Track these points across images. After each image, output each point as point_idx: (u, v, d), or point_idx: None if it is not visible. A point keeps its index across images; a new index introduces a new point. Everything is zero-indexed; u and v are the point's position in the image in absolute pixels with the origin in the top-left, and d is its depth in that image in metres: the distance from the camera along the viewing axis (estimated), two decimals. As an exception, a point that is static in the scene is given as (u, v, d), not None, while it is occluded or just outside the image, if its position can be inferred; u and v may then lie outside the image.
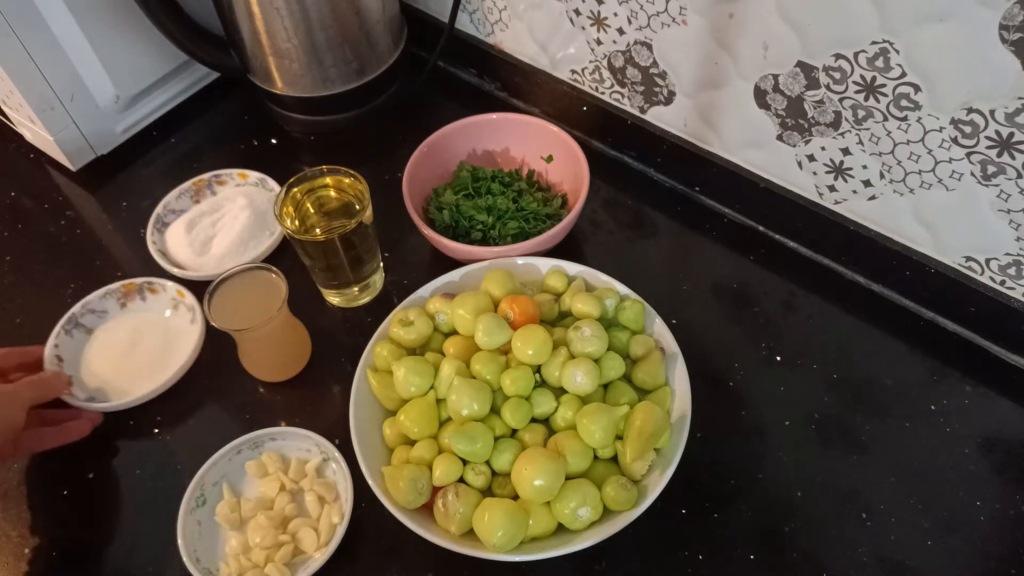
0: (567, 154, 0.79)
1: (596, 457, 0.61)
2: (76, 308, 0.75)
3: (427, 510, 0.60)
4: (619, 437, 0.61)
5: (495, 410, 0.63)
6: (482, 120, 0.82)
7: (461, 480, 0.60)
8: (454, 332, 0.68)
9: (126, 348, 0.74)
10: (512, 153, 0.85)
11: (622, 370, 0.64)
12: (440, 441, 0.62)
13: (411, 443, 0.63)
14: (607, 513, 0.59)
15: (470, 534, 0.58)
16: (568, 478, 0.59)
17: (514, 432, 0.63)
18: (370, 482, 0.59)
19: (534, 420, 0.63)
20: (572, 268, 0.71)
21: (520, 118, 0.82)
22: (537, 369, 0.65)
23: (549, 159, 0.82)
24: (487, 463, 0.61)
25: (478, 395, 0.62)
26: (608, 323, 0.67)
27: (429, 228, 0.74)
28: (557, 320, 0.69)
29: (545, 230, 0.75)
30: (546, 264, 0.71)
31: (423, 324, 0.68)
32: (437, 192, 0.81)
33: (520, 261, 0.72)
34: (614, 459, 0.61)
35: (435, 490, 0.60)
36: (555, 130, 0.80)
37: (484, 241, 0.76)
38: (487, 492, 0.60)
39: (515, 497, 0.59)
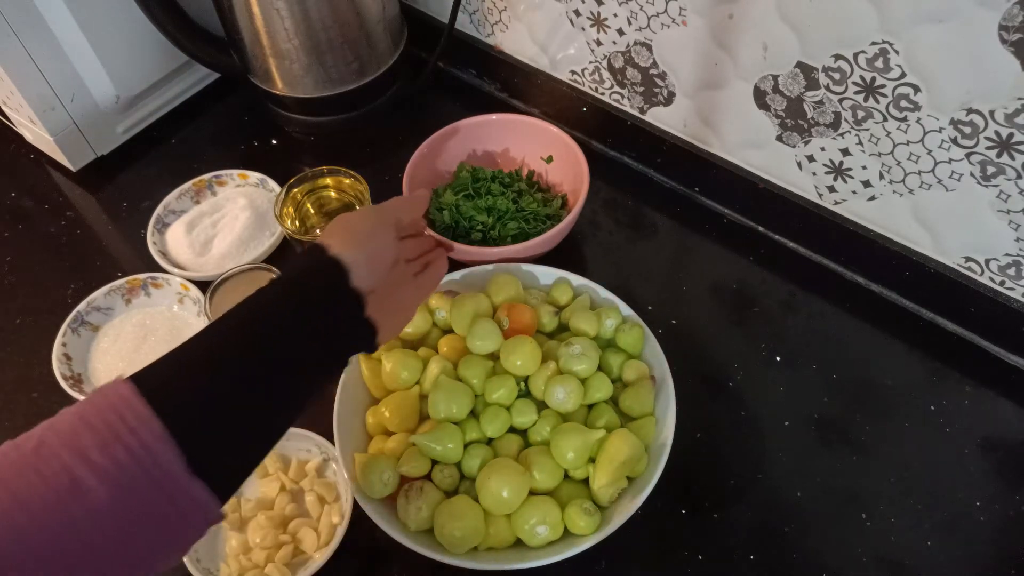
0: (567, 155, 0.79)
1: (568, 476, 0.61)
2: (81, 306, 0.75)
3: (393, 503, 0.61)
4: (593, 460, 0.61)
5: (475, 414, 0.63)
6: (482, 121, 0.82)
7: (429, 479, 0.61)
8: (451, 330, 0.69)
9: (134, 344, 0.74)
10: (512, 153, 0.85)
11: (609, 392, 0.64)
12: (412, 437, 0.62)
13: (390, 435, 0.64)
14: (568, 534, 0.58)
15: (431, 535, 0.59)
16: (535, 494, 0.59)
17: (490, 440, 0.63)
18: (341, 465, 0.60)
19: (513, 430, 0.63)
20: (576, 280, 0.70)
21: (520, 119, 0.82)
22: (525, 379, 0.65)
23: (549, 160, 0.82)
24: (457, 466, 0.61)
25: (458, 398, 0.62)
26: (605, 343, 0.67)
27: (429, 228, 0.75)
28: (555, 332, 0.69)
29: (545, 230, 0.75)
30: (552, 275, 0.71)
31: (421, 319, 0.68)
32: (437, 192, 0.81)
33: (525, 268, 0.72)
34: (586, 481, 0.61)
35: (402, 484, 0.60)
36: (555, 131, 0.80)
37: (484, 241, 0.77)
38: (453, 494, 0.61)
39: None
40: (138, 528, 0.38)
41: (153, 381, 0.40)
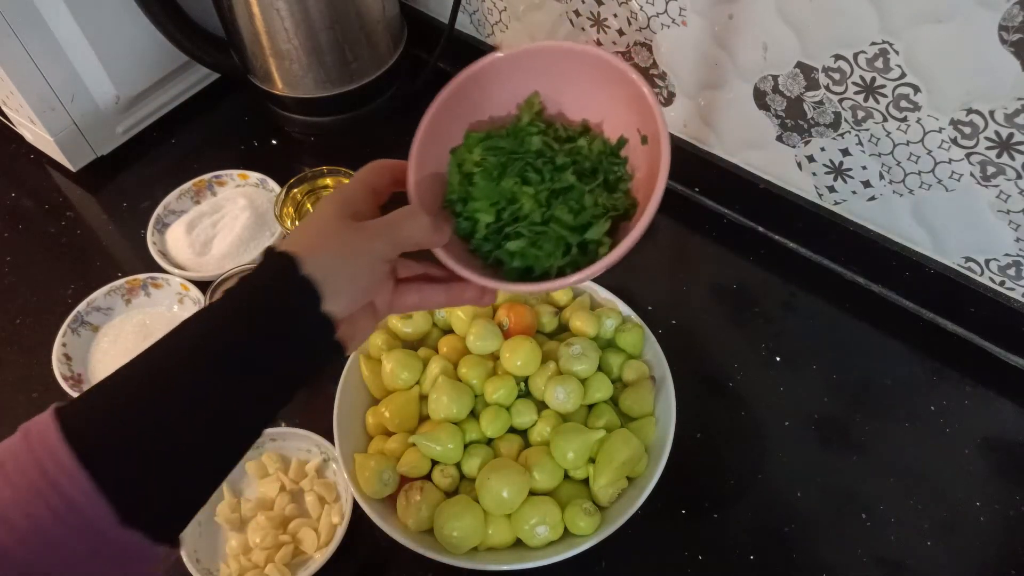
0: (653, 137, 0.45)
1: (568, 476, 0.61)
2: (81, 306, 0.75)
3: (393, 503, 0.61)
4: (593, 460, 0.61)
5: (475, 414, 0.63)
6: (557, 48, 0.49)
7: (429, 479, 0.61)
8: (451, 330, 0.69)
9: (134, 344, 0.74)
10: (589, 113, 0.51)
11: (609, 393, 0.64)
12: (412, 437, 0.62)
13: (390, 435, 0.64)
14: (568, 535, 0.58)
15: (431, 535, 0.59)
16: (535, 494, 0.59)
17: (490, 440, 0.63)
18: (341, 465, 0.60)
19: (513, 430, 0.63)
20: None
21: (611, 60, 0.50)
22: (525, 380, 0.65)
23: (644, 140, 0.47)
24: (456, 466, 0.61)
25: (459, 398, 0.62)
26: (605, 343, 0.67)
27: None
28: (555, 332, 0.69)
29: (585, 265, 0.43)
30: None
31: (422, 319, 0.68)
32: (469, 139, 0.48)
33: None
34: (586, 481, 0.61)
35: (402, 484, 0.60)
36: (651, 99, 0.46)
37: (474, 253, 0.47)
38: (453, 494, 0.61)
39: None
40: None
41: (84, 419, 0.35)
